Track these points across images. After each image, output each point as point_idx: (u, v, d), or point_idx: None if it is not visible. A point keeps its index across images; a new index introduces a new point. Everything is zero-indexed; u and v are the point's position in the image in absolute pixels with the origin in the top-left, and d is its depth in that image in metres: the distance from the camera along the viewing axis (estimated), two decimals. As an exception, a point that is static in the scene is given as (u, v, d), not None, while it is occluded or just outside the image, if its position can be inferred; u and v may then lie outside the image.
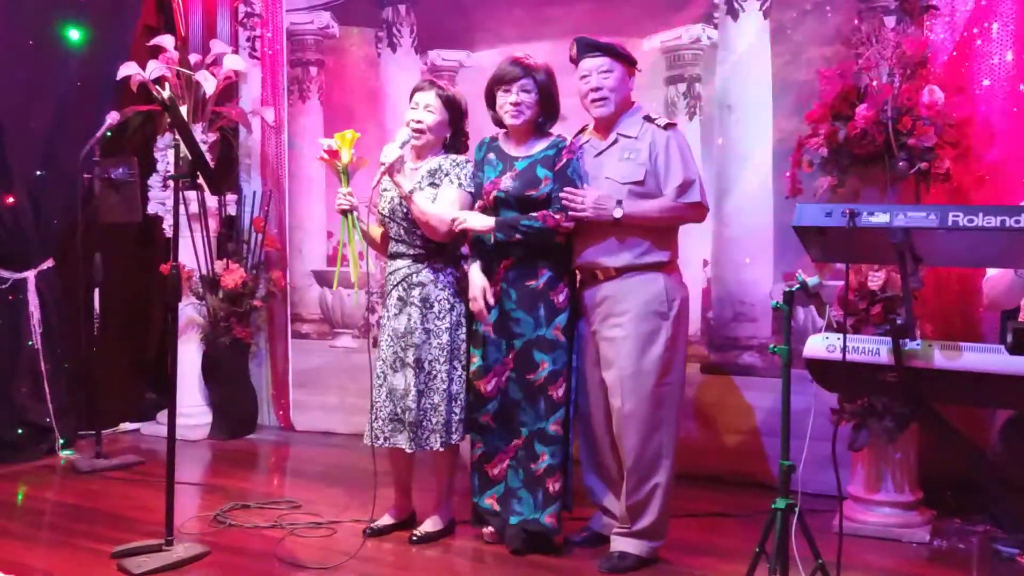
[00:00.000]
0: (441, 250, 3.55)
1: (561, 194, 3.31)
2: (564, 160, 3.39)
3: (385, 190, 3.59)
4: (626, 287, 3.30)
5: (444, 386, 3.48)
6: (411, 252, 3.56)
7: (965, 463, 3.53)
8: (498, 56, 4.47)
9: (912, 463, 3.70)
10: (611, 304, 3.32)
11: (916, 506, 3.70)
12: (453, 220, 3.39)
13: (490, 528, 3.52)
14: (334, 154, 3.50)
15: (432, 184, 3.51)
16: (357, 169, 3.57)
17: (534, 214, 3.35)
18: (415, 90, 3.59)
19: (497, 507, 3.46)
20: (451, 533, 3.65)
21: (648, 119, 3.38)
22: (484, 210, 3.45)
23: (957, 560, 3.45)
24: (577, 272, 3.48)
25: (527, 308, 3.40)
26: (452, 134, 3.61)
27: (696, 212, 3.35)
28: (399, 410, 3.50)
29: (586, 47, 3.38)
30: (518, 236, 3.34)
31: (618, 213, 3.23)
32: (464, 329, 3.55)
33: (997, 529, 3.65)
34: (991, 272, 2.93)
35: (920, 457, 3.71)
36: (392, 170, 3.39)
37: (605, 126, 3.42)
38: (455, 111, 3.59)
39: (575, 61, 3.41)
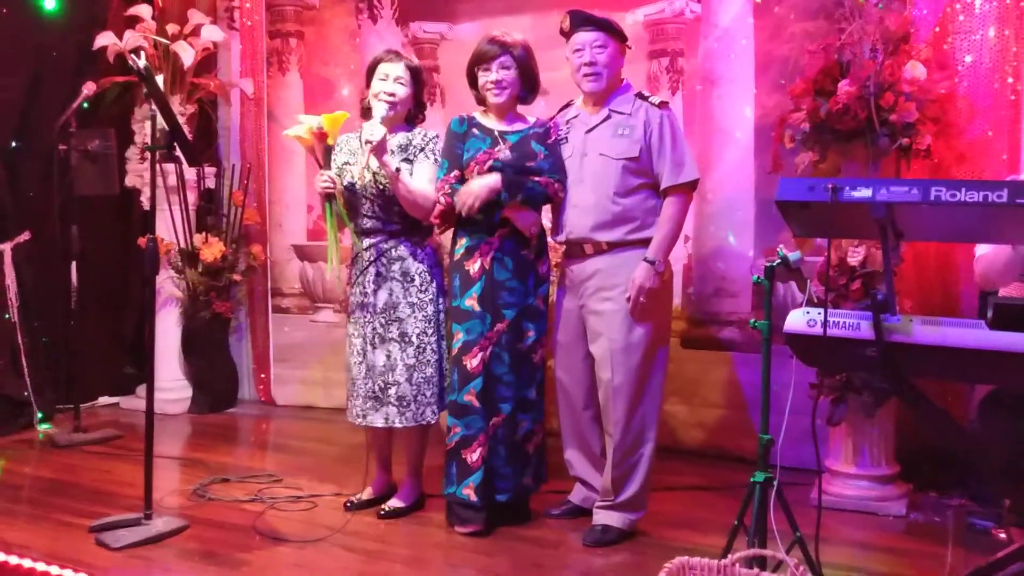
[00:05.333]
0: (417, 225, 3.53)
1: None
2: (553, 137, 3.44)
3: (346, 164, 3.53)
4: (618, 261, 3.30)
5: (435, 357, 3.50)
6: (387, 228, 3.52)
7: (943, 437, 3.56)
8: (480, 29, 4.46)
9: (890, 437, 3.72)
10: (603, 278, 3.31)
11: (893, 480, 3.73)
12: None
13: (468, 528, 3.38)
14: (322, 135, 3.43)
15: (405, 160, 3.47)
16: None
17: (537, 178, 3.35)
18: (380, 62, 3.52)
19: (475, 497, 3.33)
20: (421, 507, 3.65)
21: (641, 97, 3.37)
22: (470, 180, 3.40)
23: (933, 533, 3.48)
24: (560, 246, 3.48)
25: (521, 277, 3.40)
26: (414, 105, 3.59)
27: (693, 189, 3.35)
28: (378, 387, 3.49)
29: (581, 21, 3.34)
30: (520, 196, 3.33)
31: (653, 271, 3.24)
32: (443, 301, 3.54)
33: (973, 503, 3.69)
34: (983, 250, 2.93)
35: (898, 431, 3.74)
36: (380, 148, 3.33)
37: (595, 101, 3.40)
38: (419, 82, 3.58)
39: (567, 34, 3.38)
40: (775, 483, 2.61)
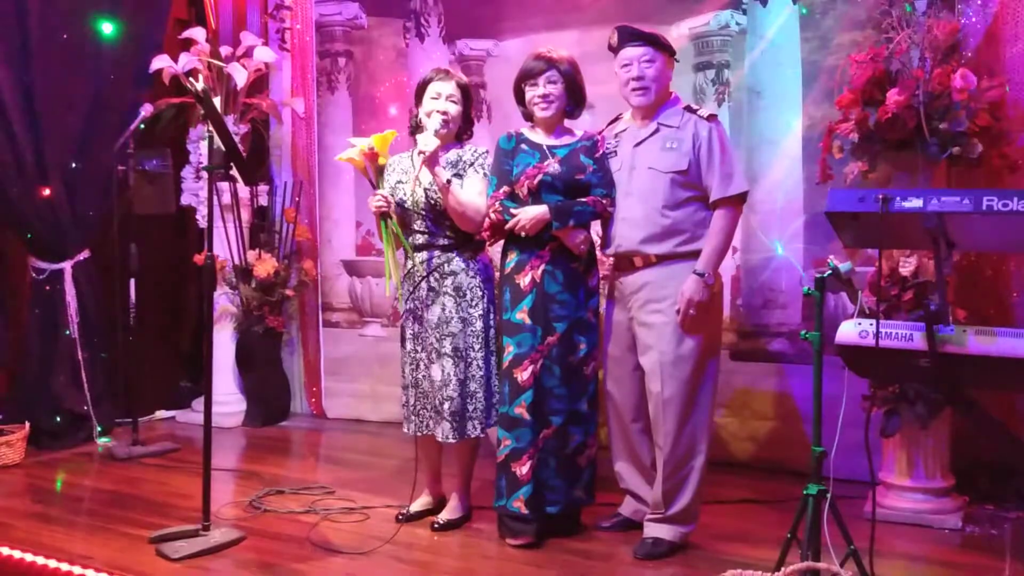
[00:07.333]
0: (469, 239, 3.56)
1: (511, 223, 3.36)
2: (601, 150, 3.47)
3: (399, 183, 3.57)
4: (668, 273, 3.30)
5: (481, 373, 3.52)
6: (440, 243, 3.56)
7: (998, 449, 3.52)
8: (525, 45, 4.50)
9: (944, 449, 3.68)
10: (652, 290, 3.32)
11: (948, 492, 3.68)
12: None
13: (519, 540, 3.40)
14: (374, 155, 3.50)
15: (456, 175, 3.50)
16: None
17: (583, 199, 3.38)
18: (431, 81, 3.56)
19: (525, 510, 3.36)
20: (470, 518, 3.68)
21: (689, 110, 3.39)
22: (520, 195, 3.44)
23: (990, 546, 3.43)
24: (609, 259, 3.50)
25: (571, 290, 3.42)
26: (463, 122, 3.63)
27: (742, 202, 3.35)
28: (437, 401, 3.53)
29: (628, 36, 3.37)
30: (572, 222, 3.36)
31: (702, 284, 3.23)
32: (493, 316, 3.57)
33: (1030, 515, 3.64)
34: None
35: (952, 443, 3.69)
36: (432, 160, 3.39)
37: (644, 115, 3.42)
38: (469, 99, 3.62)
39: (615, 49, 3.41)
40: (828, 496, 2.59)
